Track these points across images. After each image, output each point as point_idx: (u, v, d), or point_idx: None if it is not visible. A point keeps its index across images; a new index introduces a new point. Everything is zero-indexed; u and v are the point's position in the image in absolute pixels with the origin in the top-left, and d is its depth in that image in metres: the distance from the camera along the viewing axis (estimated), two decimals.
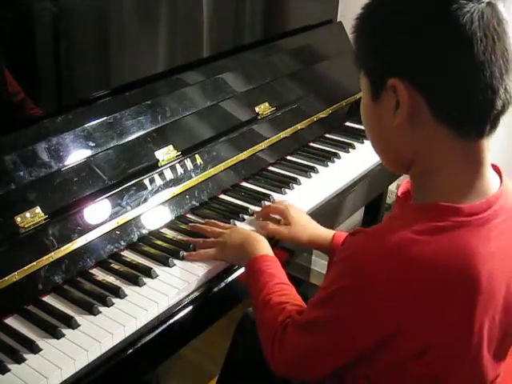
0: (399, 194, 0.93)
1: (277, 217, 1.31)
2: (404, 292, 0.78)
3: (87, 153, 1.25)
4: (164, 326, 1.07)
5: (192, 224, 1.28)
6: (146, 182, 1.30)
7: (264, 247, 1.13)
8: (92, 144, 1.26)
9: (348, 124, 1.81)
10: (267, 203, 1.38)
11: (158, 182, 1.32)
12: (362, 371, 0.88)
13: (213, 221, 1.28)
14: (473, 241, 0.80)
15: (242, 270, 1.17)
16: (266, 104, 1.63)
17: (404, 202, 0.90)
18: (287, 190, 1.45)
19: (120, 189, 1.26)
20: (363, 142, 1.68)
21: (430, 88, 0.78)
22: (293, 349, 0.92)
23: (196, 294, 1.13)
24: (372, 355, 0.85)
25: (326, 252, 1.26)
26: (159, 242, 1.25)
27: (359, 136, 1.71)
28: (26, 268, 1.07)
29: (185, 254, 1.19)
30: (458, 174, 0.82)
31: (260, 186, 1.47)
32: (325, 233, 1.27)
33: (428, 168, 0.84)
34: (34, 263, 1.09)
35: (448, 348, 0.83)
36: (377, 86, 0.83)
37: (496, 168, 0.88)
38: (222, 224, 1.27)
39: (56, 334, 1.00)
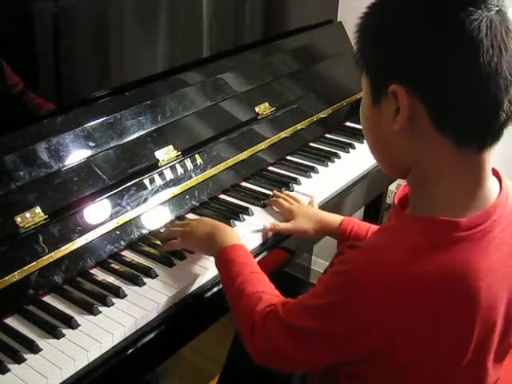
0: (396, 201, 0.91)
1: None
2: (398, 309, 0.77)
3: (87, 153, 1.25)
4: (164, 326, 1.07)
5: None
6: (146, 181, 1.30)
7: (234, 237, 1.12)
8: (92, 144, 1.26)
9: (348, 124, 1.81)
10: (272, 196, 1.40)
11: (158, 181, 1.32)
12: (354, 372, 0.88)
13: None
14: (471, 256, 0.79)
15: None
16: (266, 104, 1.63)
17: (400, 211, 0.88)
18: (287, 191, 1.45)
19: (120, 189, 1.26)
20: (363, 142, 1.68)
21: (432, 96, 0.76)
22: (276, 343, 0.89)
23: (196, 293, 1.14)
24: (364, 362, 0.84)
25: (334, 237, 1.28)
26: (159, 242, 1.25)
27: (359, 136, 1.71)
28: (25, 268, 1.07)
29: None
30: (457, 185, 0.81)
31: (260, 186, 1.47)
32: (332, 218, 1.29)
33: (426, 176, 0.82)
34: (34, 263, 1.09)
35: (445, 361, 0.82)
36: (377, 90, 0.82)
37: (496, 172, 0.86)
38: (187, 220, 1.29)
39: (56, 334, 1.00)
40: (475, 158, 0.79)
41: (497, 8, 0.75)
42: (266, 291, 0.98)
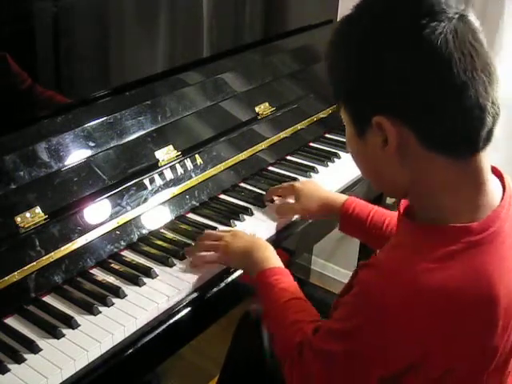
0: (402, 211, 0.90)
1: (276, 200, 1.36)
2: (424, 322, 0.77)
3: (87, 153, 1.25)
4: (164, 326, 1.07)
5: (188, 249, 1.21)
6: (146, 181, 1.30)
7: (272, 256, 1.09)
8: (92, 144, 1.26)
9: None
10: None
11: (158, 181, 1.32)
12: None
13: (209, 231, 1.24)
14: (487, 260, 0.78)
15: (241, 271, 1.17)
16: (266, 104, 1.63)
17: (408, 223, 0.86)
18: None
19: (120, 189, 1.26)
20: None
21: (417, 120, 0.76)
22: (312, 375, 0.89)
23: (196, 294, 1.13)
24: (392, 381, 0.83)
25: (336, 217, 1.27)
26: (159, 242, 1.25)
27: None
28: (25, 268, 1.07)
29: (187, 253, 1.19)
30: (460, 192, 0.80)
31: (260, 187, 1.47)
32: (336, 196, 1.29)
33: (426, 191, 0.82)
34: (34, 263, 1.09)
35: (470, 367, 0.81)
36: (360, 123, 0.81)
37: (496, 171, 0.86)
38: (220, 230, 1.26)
39: (56, 334, 1.00)
40: (471, 163, 0.79)
41: (457, 15, 0.74)
42: (305, 320, 0.95)
